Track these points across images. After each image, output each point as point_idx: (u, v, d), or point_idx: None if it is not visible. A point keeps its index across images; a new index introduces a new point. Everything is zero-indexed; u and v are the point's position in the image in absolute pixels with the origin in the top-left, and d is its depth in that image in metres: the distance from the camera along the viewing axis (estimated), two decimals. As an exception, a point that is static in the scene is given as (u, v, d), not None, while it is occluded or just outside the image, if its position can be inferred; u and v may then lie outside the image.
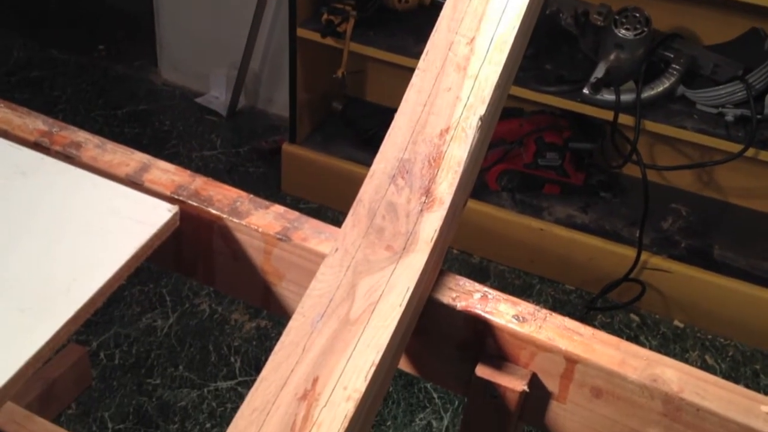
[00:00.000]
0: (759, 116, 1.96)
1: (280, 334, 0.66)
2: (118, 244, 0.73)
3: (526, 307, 0.76)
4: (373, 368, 0.63)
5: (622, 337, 0.74)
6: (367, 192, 0.74)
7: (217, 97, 2.86)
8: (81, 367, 1.84)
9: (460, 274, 0.79)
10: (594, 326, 0.75)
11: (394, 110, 0.78)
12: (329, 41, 2.24)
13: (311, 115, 2.51)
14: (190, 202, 0.82)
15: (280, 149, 2.50)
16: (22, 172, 0.80)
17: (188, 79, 2.91)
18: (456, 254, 2.37)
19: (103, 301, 0.70)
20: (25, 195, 0.78)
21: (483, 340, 0.76)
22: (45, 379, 1.73)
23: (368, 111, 2.52)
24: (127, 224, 0.75)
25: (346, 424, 0.60)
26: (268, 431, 0.60)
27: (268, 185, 2.53)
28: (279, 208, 0.83)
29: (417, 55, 0.79)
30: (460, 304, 0.76)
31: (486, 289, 0.77)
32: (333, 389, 0.62)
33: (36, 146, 0.86)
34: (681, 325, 2.23)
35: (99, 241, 0.73)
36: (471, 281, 0.78)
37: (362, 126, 2.47)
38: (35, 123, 0.89)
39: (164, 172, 0.85)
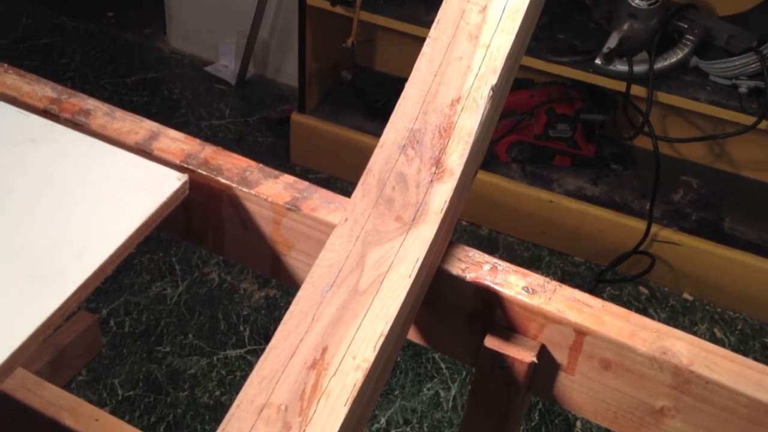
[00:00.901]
0: (773, 88, 1.94)
1: (288, 303, 0.66)
2: (128, 212, 0.73)
3: (535, 278, 0.76)
4: (382, 338, 0.63)
5: (630, 310, 0.74)
6: (377, 162, 0.74)
7: (226, 65, 2.85)
8: (91, 335, 1.86)
9: (469, 245, 0.79)
10: (603, 298, 0.75)
11: (404, 80, 0.77)
12: (339, 9, 2.23)
13: (320, 84, 2.50)
14: (199, 171, 0.82)
15: (289, 119, 2.49)
16: (31, 140, 0.80)
17: (197, 48, 2.90)
18: (465, 226, 2.36)
19: (114, 269, 0.70)
20: (34, 162, 0.77)
21: (492, 311, 0.76)
22: (56, 346, 1.75)
23: (378, 81, 2.50)
24: (136, 192, 0.75)
25: (355, 394, 0.60)
26: (277, 399, 0.60)
27: (276, 155, 2.53)
28: (288, 178, 0.83)
29: (428, 24, 0.78)
30: (469, 276, 0.76)
31: (496, 260, 0.77)
32: (342, 359, 0.62)
33: (45, 113, 0.86)
34: (690, 298, 2.22)
35: (109, 209, 0.73)
36: (480, 252, 0.78)
37: (372, 96, 2.46)
38: (44, 90, 0.89)
39: (173, 141, 0.85)
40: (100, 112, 0.87)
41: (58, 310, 0.65)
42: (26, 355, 0.63)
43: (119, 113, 0.87)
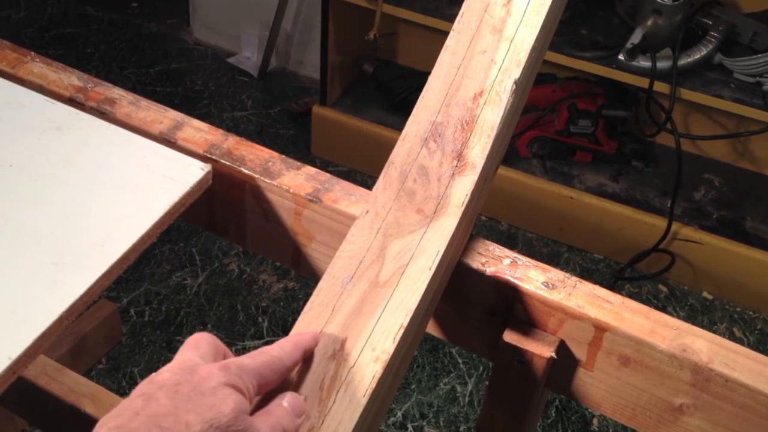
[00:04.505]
0: (798, 87, 1.93)
1: (307, 295, 0.67)
2: (152, 201, 0.73)
3: (555, 274, 0.76)
4: (402, 331, 0.64)
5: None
6: (399, 155, 0.74)
7: (249, 57, 2.85)
8: (111, 323, 1.88)
9: (488, 240, 0.79)
10: (622, 296, 0.75)
11: (425, 74, 0.77)
12: (362, 2, 2.22)
13: (342, 77, 2.50)
14: (222, 161, 0.82)
15: (310, 111, 2.50)
16: (57, 127, 0.80)
17: (220, 39, 2.91)
18: (484, 221, 2.36)
19: (136, 257, 0.71)
20: (60, 150, 0.78)
21: (512, 305, 0.76)
22: (76, 334, 1.77)
23: (399, 74, 2.50)
24: (160, 181, 0.75)
25: (374, 385, 0.60)
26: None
27: (297, 147, 2.53)
28: (310, 170, 0.83)
29: (450, 18, 0.78)
30: (489, 270, 0.76)
31: (516, 255, 0.77)
32: (362, 350, 0.62)
33: (71, 102, 0.87)
34: (710, 297, 2.21)
35: (133, 198, 0.74)
36: (501, 247, 0.78)
37: (393, 89, 2.45)
38: (70, 79, 0.90)
39: (197, 131, 0.85)
40: (125, 101, 0.88)
41: (81, 298, 0.66)
42: (49, 341, 0.64)
43: (144, 102, 0.88)
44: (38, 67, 0.91)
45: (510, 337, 0.76)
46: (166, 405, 0.50)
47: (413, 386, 1.91)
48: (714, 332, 0.71)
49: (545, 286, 0.75)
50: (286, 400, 0.57)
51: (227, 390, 0.52)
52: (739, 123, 2.17)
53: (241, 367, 0.55)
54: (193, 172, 0.77)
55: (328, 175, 0.83)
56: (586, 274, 2.23)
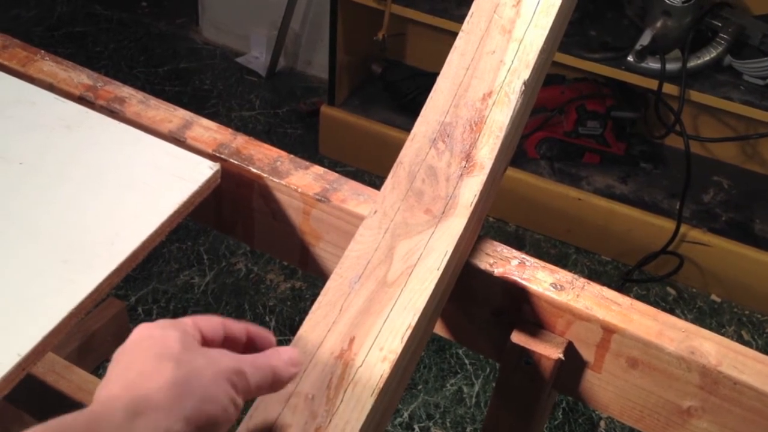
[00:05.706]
0: (808, 89, 1.92)
1: (314, 295, 0.67)
2: (161, 200, 0.74)
3: (564, 275, 0.76)
4: (409, 330, 0.64)
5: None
6: (407, 155, 0.74)
7: (257, 57, 2.86)
8: (119, 321, 1.88)
9: (496, 241, 0.79)
10: (630, 298, 0.74)
11: (434, 74, 0.77)
12: (370, 2, 2.22)
13: (350, 77, 2.50)
14: (231, 160, 0.83)
15: (319, 111, 2.50)
16: (67, 126, 0.81)
17: (229, 39, 2.91)
18: (492, 222, 2.36)
19: (144, 256, 0.71)
20: (69, 148, 0.79)
21: (519, 306, 0.76)
22: (84, 332, 1.77)
23: (407, 74, 2.50)
24: (169, 180, 0.76)
25: (381, 385, 0.60)
26: (304, 388, 0.60)
27: (305, 147, 2.53)
28: (318, 169, 0.83)
29: (459, 19, 0.78)
30: (497, 270, 0.76)
31: (524, 256, 0.77)
32: (369, 350, 0.62)
33: (81, 100, 0.87)
34: (718, 300, 2.20)
35: (142, 196, 0.74)
36: (509, 248, 0.78)
37: (401, 90, 2.45)
38: (80, 77, 0.90)
39: (206, 130, 0.86)
40: (134, 100, 0.88)
41: (90, 295, 0.66)
42: (58, 339, 0.64)
43: (153, 101, 0.88)
44: (48, 66, 0.91)
45: (517, 338, 0.76)
46: (113, 372, 0.51)
47: (420, 387, 1.91)
48: (722, 335, 0.71)
49: (553, 287, 0.75)
50: (283, 350, 0.56)
51: (164, 329, 0.52)
52: (748, 125, 2.16)
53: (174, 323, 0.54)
54: (202, 171, 0.77)
55: (336, 174, 0.83)
56: (594, 275, 2.23)
